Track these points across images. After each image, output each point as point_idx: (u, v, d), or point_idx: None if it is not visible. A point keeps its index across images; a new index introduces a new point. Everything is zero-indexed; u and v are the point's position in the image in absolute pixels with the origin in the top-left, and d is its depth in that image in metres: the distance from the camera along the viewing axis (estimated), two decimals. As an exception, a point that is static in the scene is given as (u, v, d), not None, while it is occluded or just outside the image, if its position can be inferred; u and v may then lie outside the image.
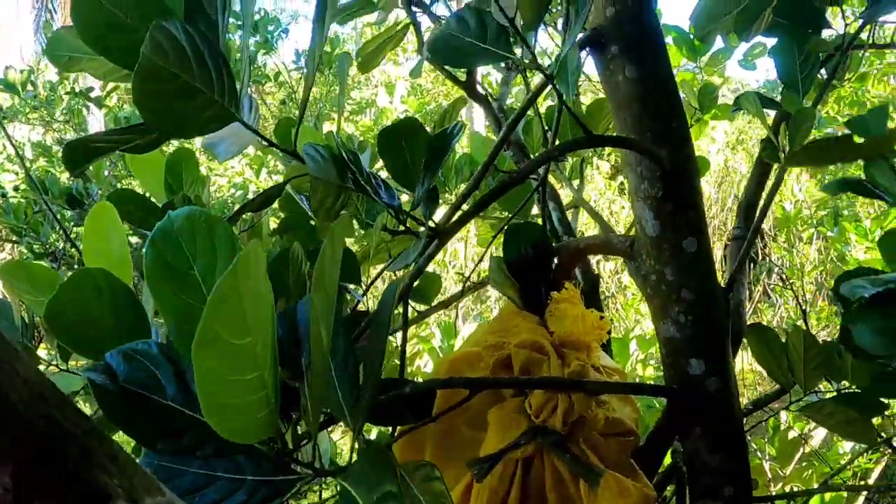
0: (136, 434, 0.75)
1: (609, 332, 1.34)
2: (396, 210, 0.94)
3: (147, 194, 1.61)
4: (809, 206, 6.23)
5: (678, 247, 1.14)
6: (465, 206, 1.03)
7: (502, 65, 2.59)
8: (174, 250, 0.74)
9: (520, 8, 0.89)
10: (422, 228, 1.02)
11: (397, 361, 1.26)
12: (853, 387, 1.41)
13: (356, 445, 0.80)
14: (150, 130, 0.89)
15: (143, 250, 0.75)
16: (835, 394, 1.46)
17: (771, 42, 2.65)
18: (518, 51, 1.07)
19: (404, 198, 1.24)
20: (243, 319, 0.53)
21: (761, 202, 1.60)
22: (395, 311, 1.20)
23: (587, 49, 1.16)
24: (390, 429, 1.15)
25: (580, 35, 1.10)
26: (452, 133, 0.94)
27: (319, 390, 0.71)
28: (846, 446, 2.96)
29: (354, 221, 1.62)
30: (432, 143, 0.93)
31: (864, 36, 1.66)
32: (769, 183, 1.64)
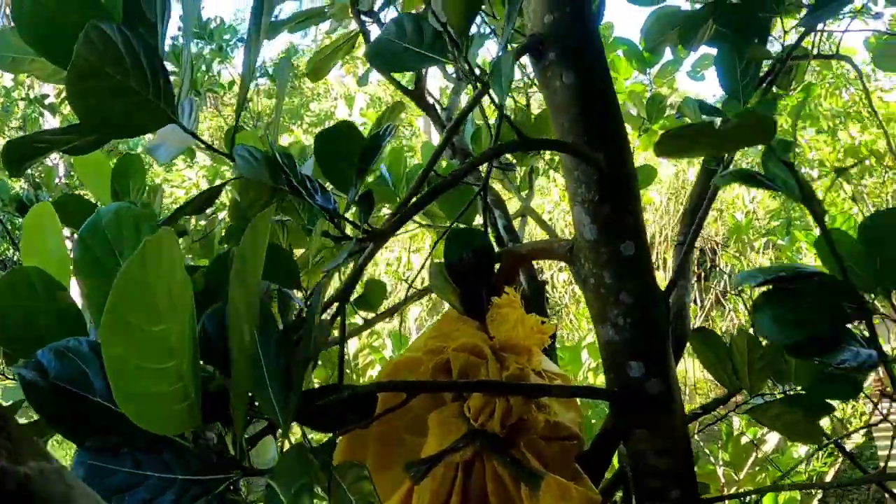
0: (65, 431, 0.75)
1: (553, 337, 1.34)
2: (330, 213, 0.94)
3: (98, 202, 1.59)
4: (761, 217, 6.36)
5: (616, 250, 1.15)
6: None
7: (453, 75, 2.61)
8: (102, 245, 0.74)
9: (446, 12, 0.90)
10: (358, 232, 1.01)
11: (347, 371, 1.25)
12: (798, 388, 1.43)
13: (285, 445, 0.79)
14: (85, 132, 0.88)
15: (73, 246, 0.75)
16: (781, 396, 1.48)
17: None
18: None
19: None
20: (154, 305, 0.53)
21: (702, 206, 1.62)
22: (336, 323, 1.19)
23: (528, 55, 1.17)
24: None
25: (517, 42, 1.11)
26: (383, 135, 0.94)
27: (243, 386, 0.71)
28: (801, 450, 3.01)
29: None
30: (364, 146, 0.93)
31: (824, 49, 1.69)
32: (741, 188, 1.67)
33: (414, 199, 1.02)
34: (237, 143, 0.90)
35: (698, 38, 1.65)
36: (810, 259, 3.42)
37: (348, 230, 1.10)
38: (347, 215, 1.08)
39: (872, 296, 1.14)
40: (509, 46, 1.30)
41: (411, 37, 0.98)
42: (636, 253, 1.15)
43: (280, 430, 0.87)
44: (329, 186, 1.10)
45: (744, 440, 2.81)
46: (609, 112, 1.14)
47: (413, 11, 1.86)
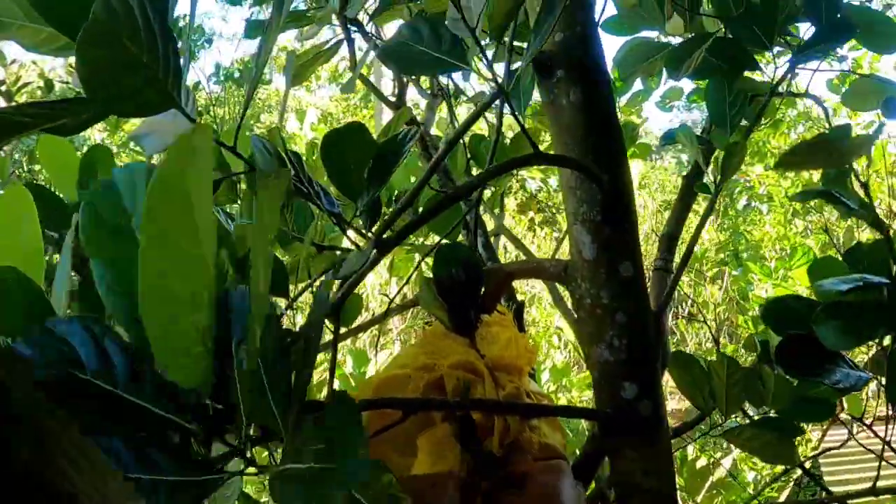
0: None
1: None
2: (338, 218, 0.90)
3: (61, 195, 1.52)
4: (709, 248, 6.51)
5: (614, 270, 1.14)
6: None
7: (428, 91, 2.61)
8: (114, 210, 0.68)
9: (492, 11, 0.88)
10: (361, 240, 0.98)
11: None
12: (771, 412, 1.45)
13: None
14: (82, 108, 0.81)
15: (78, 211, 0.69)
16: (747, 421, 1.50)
17: (688, 87, 2.74)
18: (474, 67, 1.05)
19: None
20: (192, 224, 0.48)
21: (684, 232, 1.64)
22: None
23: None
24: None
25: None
26: (404, 140, 0.91)
27: (254, 346, 0.66)
28: (749, 476, 3.06)
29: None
30: (379, 150, 0.89)
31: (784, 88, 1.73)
32: (690, 217, 1.69)
33: (422, 210, 1.00)
34: (248, 137, 0.86)
35: (684, 69, 1.67)
36: (762, 290, 3.51)
37: (340, 239, 1.06)
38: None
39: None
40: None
41: (428, 41, 0.95)
42: (634, 274, 1.15)
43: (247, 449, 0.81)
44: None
45: (699, 465, 2.84)
46: (613, 132, 1.14)
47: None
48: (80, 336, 0.66)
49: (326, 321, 1.14)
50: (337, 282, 1.04)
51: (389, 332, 7.29)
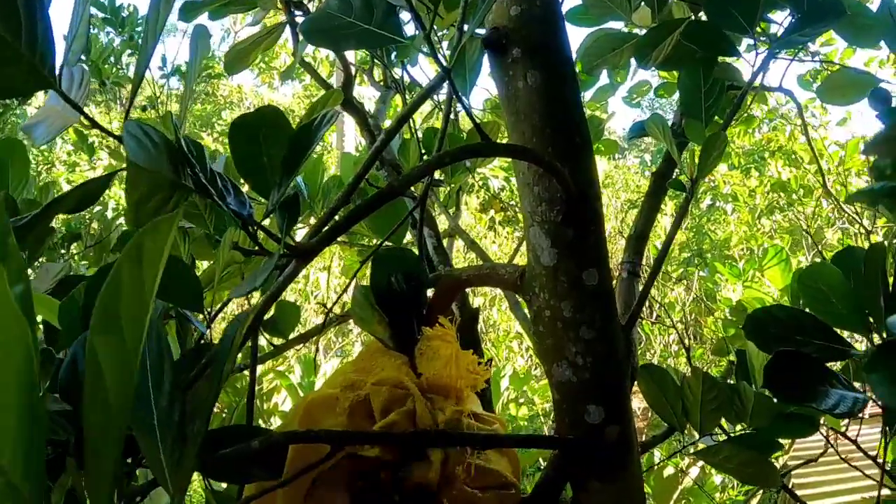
0: None
1: (487, 381, 1.18)
2: (245, 220, 0.75)
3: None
4: (673, 248, 6.46)
5: (577, 279, 1.00)
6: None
7: (380, 83, 2.47)
8: None
9: None
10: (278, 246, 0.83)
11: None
12: (749, 429, 1.36)
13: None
14: None
15: None
16: (723, 437, 1.41)
17: (655, 83, 2.64)
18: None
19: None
20: None
21: (651, 233, 1.51)
22: (245, 346, 1.00)
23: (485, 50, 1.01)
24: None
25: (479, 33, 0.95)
26: (320, 124, 0.75)
27: (107, 455, 0.51)
28: (717, 479, 2.98)
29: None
30: (295, 137, 0.74)
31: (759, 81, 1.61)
32: (659, 215, 1.56)
33: (346, 210, 0.85)
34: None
35: (653, 57, 1.54)
36: (729, 290, 3.42)
37: (267, 243, 0.91)
38: (266, 224, 0.89)
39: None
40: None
41: (359, 12, 0.80)
42: (600, 282, 1.01)
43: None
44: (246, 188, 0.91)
45: (666, 473, 2.73)
46: (577, 121, 1.00)
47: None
48: None
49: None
50: (257, 295, 0.89)
51: (349, 333, 7.12)
